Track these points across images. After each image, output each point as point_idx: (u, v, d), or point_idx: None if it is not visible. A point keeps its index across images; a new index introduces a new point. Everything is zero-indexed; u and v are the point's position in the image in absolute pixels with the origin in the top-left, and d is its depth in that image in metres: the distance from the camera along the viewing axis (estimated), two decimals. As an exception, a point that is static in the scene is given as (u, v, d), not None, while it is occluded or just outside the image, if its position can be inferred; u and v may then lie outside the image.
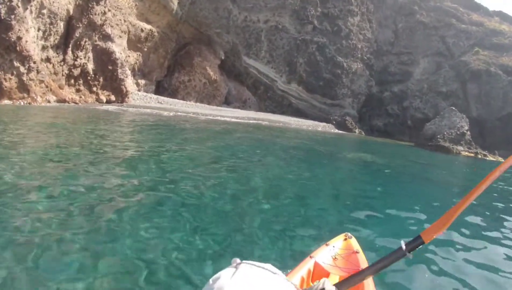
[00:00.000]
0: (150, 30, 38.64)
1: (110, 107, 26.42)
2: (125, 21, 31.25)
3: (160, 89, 43.04)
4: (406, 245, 2.06)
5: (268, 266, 1.34)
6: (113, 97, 29.72)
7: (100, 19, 26.49)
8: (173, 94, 42.36)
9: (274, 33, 48.89)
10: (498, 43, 54.34)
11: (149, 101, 34.85)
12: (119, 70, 29.56)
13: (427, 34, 56.05)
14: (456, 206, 2.07)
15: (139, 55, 39.09)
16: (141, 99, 34.71)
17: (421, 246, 2.07)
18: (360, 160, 18.76)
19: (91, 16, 25.47)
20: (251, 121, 35.16)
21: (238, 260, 1.33)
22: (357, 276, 2.20)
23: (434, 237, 2.11)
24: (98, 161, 8.30)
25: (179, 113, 30.54)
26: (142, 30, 37.44)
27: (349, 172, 14.52)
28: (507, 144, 47.30)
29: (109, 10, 28.39)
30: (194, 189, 7.29)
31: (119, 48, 29.74)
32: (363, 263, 3.38)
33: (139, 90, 39.41)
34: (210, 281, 1.20)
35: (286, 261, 4.49)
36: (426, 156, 30.67)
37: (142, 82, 40.41)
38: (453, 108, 45.13)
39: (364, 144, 34.73)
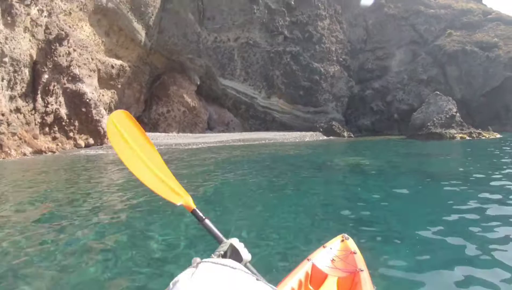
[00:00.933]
0: (121, 65, 37.74)
1: (89, 152, 25.12)
2: (92, 59, 30.19)
3: (141, 125, 41.65)
4: None
5: (228, 261, 1.27)
6: (91, 140, 28.56)
7: (66, 60, 25.46)
8: (154, 128, 41.24)
9: (246, 49, 48.34)
10: (468, 21, 54.66)
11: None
12: (94, 111, 28.43)
13: (398, 25, 56.13)
14: None
15: (114, 92, 38.08)
16: (121, 137, 33.32)
17: None
18: (351, 165, 17.08)
19: (56, 58, 24.46)
20: (235, 143, 33.73)
21: (198, 260, 1.25)
22: None
23: None
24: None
25: (160, 147, 29.07)
26: (112, 67, 36.54)
27: (341, 181, 12.91)
28: (496, 119, 47.36)
29: (74, 50, 27.36)
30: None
31: (90, 88, 28.57)
32: (361, 264, 3.37)
33: (118, 129, 38.11)
34: (170, 285, 1.11)
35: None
36: (420, 147, 29.51)
37: (119, 121, 39.12)
38: (438, 92, 44.24)
39: (353, 146, 33.46)
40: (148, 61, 42.48)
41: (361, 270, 3.19)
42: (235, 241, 1.72)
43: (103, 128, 29.29)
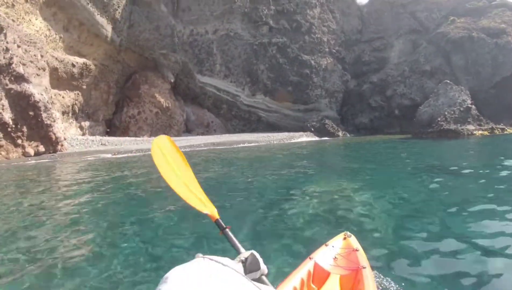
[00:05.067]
0: (84, 63, 36.73)
1: (33, 162, 23.88)
2: (42, 56, 28.96)
3: (112, 129, 40.95)
4: None
5: (224, 260, 1.44)
6: (42, 148, 27.28)
7: (3, 58, 24.25)
8: (125, 131, 40.26)
9: (227, 42, 47.17)
10: (472, 8, 53.11)
11: (90, 145, 32.34)
12: (44, 115, 27.25)
13: (396, 13, 54.74)
14: None
15: (77, 94, 37.04)
16: (81, 143, 32.34)
17: None
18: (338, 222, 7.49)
19: (-10, 56, 23.25)
20: (205, 148, 31.94)
21: (200, 255, 1.42)
22: None
23: None
24: None
25: (117, 156, 27.21)
26: (73, 65, 35.49)
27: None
28: (507, 112, 45.38)
29: (18, 46, 26.20)
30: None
31: (38, 89, 27.35)
32: (363, 261, 3.46)
33: (83, 134, 37.21)
34: (166, 274, 1.28)
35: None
36: (435, 150, 24.24)
37: (86, 124, 38.28)
38: (448, 81, 42.01)
39: (347, 153, 27.07)
40: (120, 59, 41.45)
41: (364, 267, 3.30)
42: (255, 252, 1.96)
43: (55, 134, 28.13)
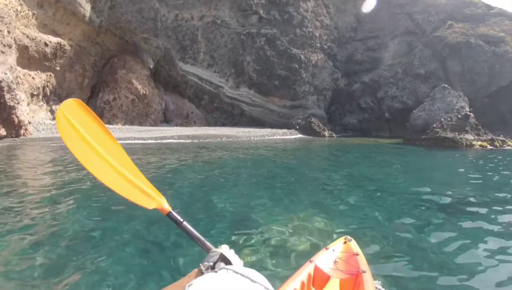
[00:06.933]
0: (58, 43, 35.81)
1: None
2: (9, 32, 28.09)
3: (86, 115, 40.00)
4: None
5: (251, 273, 1.37)
6: (3, 131, 26.50)
7: (-37, 33, 23.42)
8: (99, 117, 39.29)
9: (213, 30, 46.34)
10: (471, 14, 53.05)
11: (57, 131, 31.53)
12: (7, 96, 26.45)
13: (392, 13, 54.52)
14: None
15: (50, 75, 36.17)
16: (48, 128, 31.66)
17: None
18: None
19: None
20: (177, 140, 31.13)
21: (222, 265, 1.45)
22: None
23: None
24: None
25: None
26: (46, 44, 34.56)
27: None
28: (501, 124, 45.23)
29: (-19, 22, 25.38)
30: None
31: (2, 68, 26.55)
32: (363, 265, 3.56)
33: (54, 118, 36.37)
34: (186, 286, 1.24)
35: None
36: (441, 166, 19.87)
37: (57, 108, 37.16)
38: (446, 85, 40.55)
39: (330, 158, 23.48)
40: (99, 41, 40.66)
41: (364, 272, 3.37)
42: (225, 249, 1.73)
43: (18, 117, 27.40)
